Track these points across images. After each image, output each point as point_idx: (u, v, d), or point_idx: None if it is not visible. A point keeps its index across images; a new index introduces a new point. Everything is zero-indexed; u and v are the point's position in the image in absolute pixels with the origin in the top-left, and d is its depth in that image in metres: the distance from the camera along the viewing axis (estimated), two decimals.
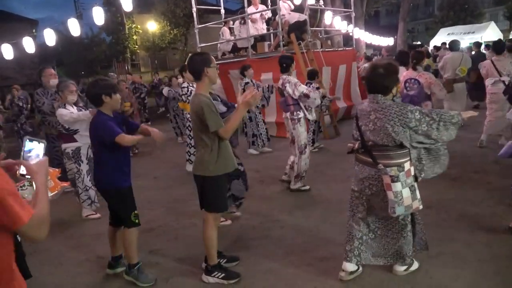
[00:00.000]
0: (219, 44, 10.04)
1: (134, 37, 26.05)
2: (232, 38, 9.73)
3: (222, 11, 10.57)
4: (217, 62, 10.00)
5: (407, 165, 2.45)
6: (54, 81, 5.06)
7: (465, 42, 16.25)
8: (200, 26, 10.16)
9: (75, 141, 4.33)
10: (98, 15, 9.34)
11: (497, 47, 6.05)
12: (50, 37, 9.66)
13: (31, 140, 1.47)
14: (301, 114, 4.67)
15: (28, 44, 9.86)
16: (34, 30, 26.56)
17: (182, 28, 25.83)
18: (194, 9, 9.82)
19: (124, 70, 23.36)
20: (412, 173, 2.48)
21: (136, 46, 26.56)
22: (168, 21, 25.67)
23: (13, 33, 16.53)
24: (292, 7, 8.95)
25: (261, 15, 9.22)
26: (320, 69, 8.03)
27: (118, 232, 3.05)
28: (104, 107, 2.83)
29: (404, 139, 2.42)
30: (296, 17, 8.42)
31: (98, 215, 4.46)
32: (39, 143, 1.47)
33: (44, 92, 5.07)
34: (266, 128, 7.03)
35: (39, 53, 15.58)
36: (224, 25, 9.74)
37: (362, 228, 2.72)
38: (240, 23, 9.16)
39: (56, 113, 4.25)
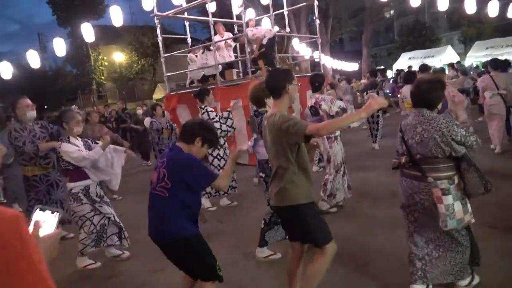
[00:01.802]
0: (188, 72, 9.90)
1: (101, 68, 25.61)
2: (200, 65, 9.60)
3: (189, 39, 10.49)
4: (185, 91, 9.73)
5: (456, 178, 2.49)
6: (31, 114, 4.35)
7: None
8: (166, 55, 10.00)
9: (86, 177, 3.73)
10: (60, 47, 9.02)
11: (493, 64, 6.90)
12: (6, 70, 9.19)
13: (42, 210, 1.18)
14: (337, 132, 4.58)
15: None
16: None
17: (150, 58, 25.69)
18: (159, 38, 9.68)
19: (90, 102, 22.78)
20: (462, 186, 2.49)
21: (103, 78, 26.08)
22: (136, 51, 25.51)
23: None
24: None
25: (226, 42, 9.21)
26: None
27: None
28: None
29: (452, 150, 2.45)
30: (263, 31, 8.35)
31: (98, 263, 3.92)
32: (52, 213, 1.20)
33: (22, 127, 4.31)
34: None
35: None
36: (191, 53, 9.63)
37: (422, 247, 2.63)
38: (203, 52, 9.06)
39: (59, 149, 3.65)
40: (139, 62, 25.67)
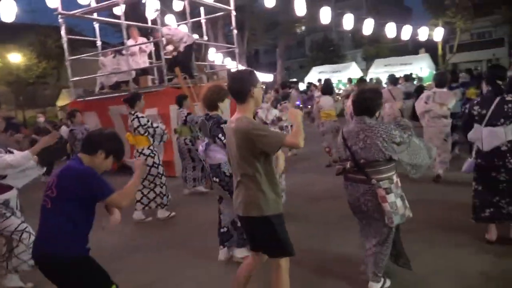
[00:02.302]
0: (98, 78, 9.20)
1: None
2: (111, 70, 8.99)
3: (99, 42, 9.79)
4: (95, 98, 9.04)
5: (395, 178, 2.73)
6: None
7: (334, 79, 18.29)
8: (72, 58, 9.19)
9: (9, 189, 3.28)
10: None
11: (390, 79, 7.75)
12: None
13: None
14: None
15: None
16: None
17: (53, 61, 23.43)
18: (64, 39, 8.87)
19: None
20: (399, 184, 2.76)
21: None
22: (37, 53, 23.06)
23: None
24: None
25: (140, 48, 8.79)
26: None
27: None
28: None
29: (392, 153, 2.68)
30: (181, 34, 8.10)
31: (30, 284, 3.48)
32: None
33: None
34: None
35: None
36: (102, 57, 8.98)
37: (370, 245, 2.83)
38: (114, 56, 8.51)
39: None
40: (39, 64, 23.21)
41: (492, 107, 3.29)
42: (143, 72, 8.80)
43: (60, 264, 2.09)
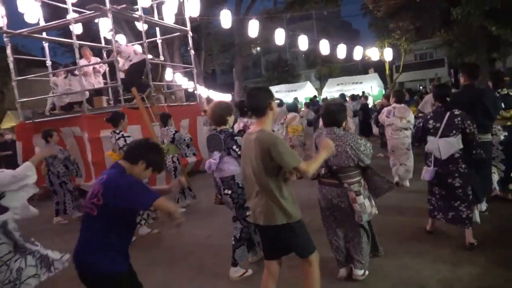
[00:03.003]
0: (49, 98, 8.77)
1: None
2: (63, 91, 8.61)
3: (49, 62, 9.37)
4: (46, 119, 8.64)
5: (362, 181, 3.12)
6: None
7: (290, 98, 18.78)
8: (19, 78, 8.72)
9: (5, 210, 2.96)
10: None
11: (341, 97, 8.53)
12: None
13: None
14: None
15: None
16: None
17: None
18: (10, 59, 8.41)
19: None
20: (367, 186, 3.15)
21: None
22: None
23: None
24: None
25: (94, 68, 8.53)
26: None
27: None
28: None
29: (362, 159, 3.03)
30: (130, 50, 7.96)
31: None
32: None
33: None
34: None
35: None
36: (54, 76, 8.58)
37: (342, 239, 3.25)
38: (65, 77, 8.19)
39: None
40: None
41: (445, 120, 3.70)
42: (97, 93, 8.51)
43: (101, 275, 2.11)
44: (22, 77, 8.94)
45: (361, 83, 21.18)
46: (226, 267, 3.62)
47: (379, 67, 23.24)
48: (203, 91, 18.08)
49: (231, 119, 3.54)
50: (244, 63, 27.78)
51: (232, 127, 3.93)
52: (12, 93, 8.83)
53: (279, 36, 11.00)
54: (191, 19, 10.20)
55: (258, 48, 36.50)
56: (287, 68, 33.57)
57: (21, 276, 3.04)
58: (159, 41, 10.54)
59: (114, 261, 2.14)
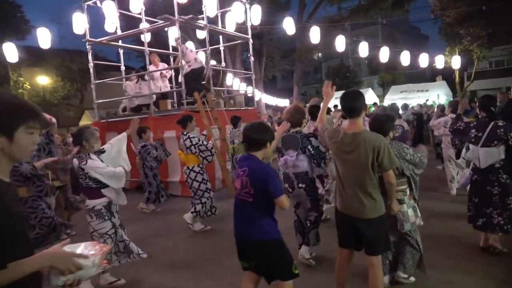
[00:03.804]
0: (123, 100, 9.65)
1: (20, 91, 23.72)
2: (134, 94, 9.42)
3: (123, 67, 10.29)
4: (118, 119, 9.48)
5: (408, 190, 3.15)
6: None
7: None
8: (97, 81, 9.69)
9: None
10: None
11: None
12: None
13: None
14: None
15: None
16: None
17: (77, 84, 24.47)
18: (91, 64, 9.38)
19: None
20: (413, 196, 3.19)
21: None
22: (62, 76, 24.15)
23: None
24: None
25: (161, 73, 9.21)
26: (224, 127, 8.13)
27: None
28: None
29: (406, 168, 3.11)
30: (191, 57, 8.43)
31: (123, 280, 3.85)
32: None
33: None
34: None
35: None
36: (127, 81, 9.44)
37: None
38: (137, 81, 8.95)
39: (84, 165, 3.44)
40: (64, 86, 24.28)
41: (487, 130, 3.74)
42: (163, 96, 9.18)
43: (266, 245, 2.55)
44: (100, 81, 9.91)
45: (427, 91, 20.24)
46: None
47: (448, 75, 22.01)
48: (263, 96, 18.48)
49: (304, 121, 4.04)
50: (304, 68, 27.77)
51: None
52: (90, 94, 9.82)
53: (340, 43, 10.94)
54: (253, 26, 10.57)
55: (320, 54, 36.27)
56: (348, 74, 32.96)
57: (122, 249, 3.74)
58: (221, 48, 11.06)
59: (272, 233, 2.57)
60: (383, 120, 3.26)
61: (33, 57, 21.10)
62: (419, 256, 3.30)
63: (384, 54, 11.81)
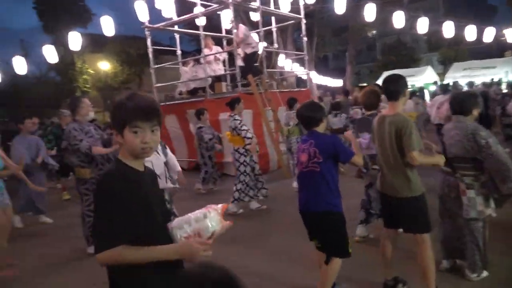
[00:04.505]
0: (179, 84, 10.03)
1: (84, 76, 25.35)
2: (190, 78, 9.73)
3: (179, 52, 10.63)
4: (175, 102, 9.94)
5: (482, 177, 2.95)
6: (91, 114, 4.57)
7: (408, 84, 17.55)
8: (156, 66, 10.11)
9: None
10: (50, 54, 9.04)
11: None
12: None
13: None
14: None
15: None
16: None
17: (136, 69, 25.66)
18: (150, 49, 9.79)
19: None
20: (489, 185, 2.93)
21: (87, 86, 25.81)
22: (121, 61, 25.44)
23: None
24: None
25: (215, 56, 9.39)
26: (277, 109, 8.19)
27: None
28: None
29: (476, 153, 2.90)
30: (250, 40, 8.50)
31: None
32: None
33: (80, 127, 4.31)
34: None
35: None
36: (183, 65, 9.78)
37: (445, 229, 3.20)
38: (193, 65, 9.22)
39: None
40: (124, 71, 25.61)
41: None
42: (218, 79, 9.39)
43: (329, 216, 2.68)
44: (158, 65, 10.33)
45: (494, 67, 18.68)
46: None
47: None
48: (314, 77, 18.18)
49: (382, 103, 4.12)
50: (357, 47, 26.85)
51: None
52: (148, 78, 10.29)
53: (398, 19, 10.38)
54: (305, 5, 10.37)
55: (374, 31, 34.69)
56: (405, 51, 31.24)
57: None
58: (274, 29, 11.00)
59: (337, 204, 2.71)
60: (461, 98, 3.12)
61: (95, 44, 22.37)
62: (480, 255, 3.02)
63: (448, 29, 11.02)
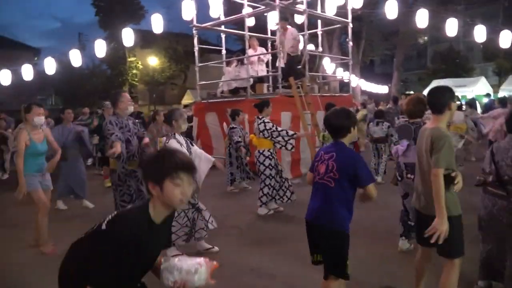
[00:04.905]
0: (221, 83, 10.22)
1: (134, 71, 26.48)
2: (233, 77, 9.88)
3: (224, 51, 10.82)
4: (216, 100, 10.10)
5: None
6: (131, 108, 4.69)
7: (457, 94, 16.72)
8: (201, 64, 10.36)
9: None
10: (100, 48, 9.51)
11: None
12: (50, 66, 9.75)
13: None
14: None
15: (27, 72, 9.93)
16: (36, 58, 26.85)
17: (181, 65, 26.45)
18: (196, 48, 10.04)
19: None
20: None
21: (136, 79, 26.94)
22: (169, 57, 26.32)
23: (14, 59, 16.65)
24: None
25: (259, 57, 9.46)
26: (315, 113, 8.13)
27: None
28: None
29: None
30: (296, 44, 8.52)
31: (216, 248, 4.24)
32: None
33: (118, 121, 4.43)
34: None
35: (38, 80, 15.60)
36: (227, 65, 9.95)
37: (485, 250, 2.99)
38: (236, 65, 9.35)
39: (167, 144, 3.80)
40: (171, 67, 26.49)
41: None
42: (260, 80, 9.46)
43: (334, 235, 2.50)
44: (203, 64, 10.58)
45: None
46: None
47: None
48: (359, 82, 17.80)
49: (428, 112, 3.87)
50: (406, 53, 25.92)
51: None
52: (192, 75, 10.57)
53: (452, 26, 9.92)
54: (353, 10, 10.20)
55: (426, 37, 33.37)
56: (458, 60, 29.74)
57: (195, 225, 3.98)
58: (319, 32, 10.92)
59: (345, 225, 2.51)
60: None
61: (145, 40, 23.29)
62: None
63: (505, 38, 10.38)
